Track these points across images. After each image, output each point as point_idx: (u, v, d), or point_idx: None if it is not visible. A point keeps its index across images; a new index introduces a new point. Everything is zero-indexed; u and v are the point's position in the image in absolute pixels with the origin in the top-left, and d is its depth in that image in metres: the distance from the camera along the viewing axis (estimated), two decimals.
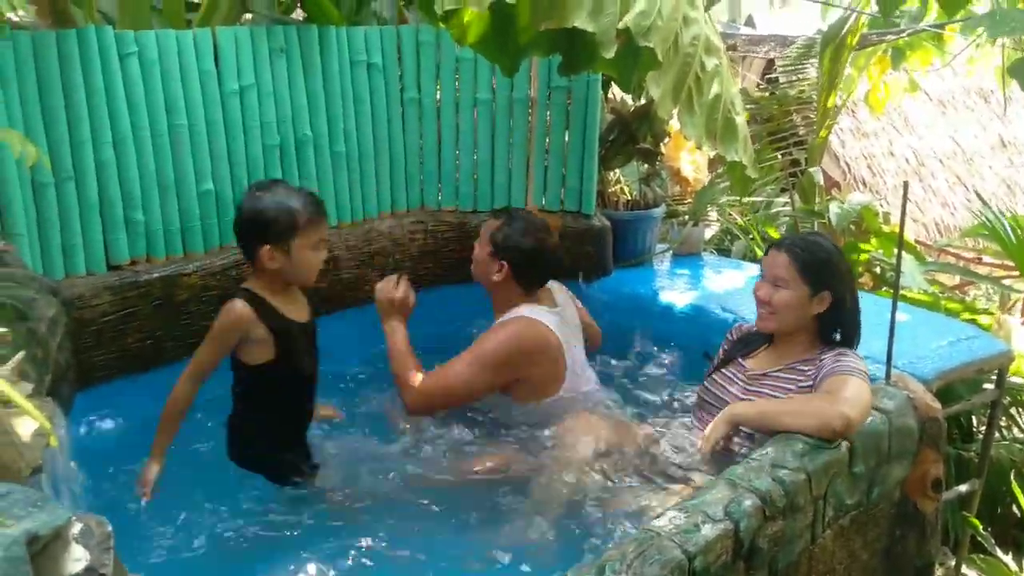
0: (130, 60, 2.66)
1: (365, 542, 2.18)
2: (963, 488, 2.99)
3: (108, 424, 2.65)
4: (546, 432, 2.59)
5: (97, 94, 2.60)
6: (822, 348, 2.43)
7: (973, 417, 3.57)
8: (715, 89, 2.31)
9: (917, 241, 6.06)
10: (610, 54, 2.08)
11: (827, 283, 2.41)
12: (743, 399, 2.44)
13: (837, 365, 2.32)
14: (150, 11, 3.10)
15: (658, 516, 1.82)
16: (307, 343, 2.47)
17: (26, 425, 1.41)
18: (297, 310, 2.42)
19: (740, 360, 2.56)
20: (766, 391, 2.43)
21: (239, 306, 2.28)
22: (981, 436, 3.19)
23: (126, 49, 2.64)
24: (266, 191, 2.33)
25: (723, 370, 2.59)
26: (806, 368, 2.41)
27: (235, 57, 2.87)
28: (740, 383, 2.51)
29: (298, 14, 3.53)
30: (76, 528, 1.15)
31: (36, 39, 2.48)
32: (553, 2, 2.08)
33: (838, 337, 2.44)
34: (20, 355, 1.62)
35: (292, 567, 2.08)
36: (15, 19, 2.76)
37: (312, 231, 2.33)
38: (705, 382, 2.63)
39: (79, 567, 1.10)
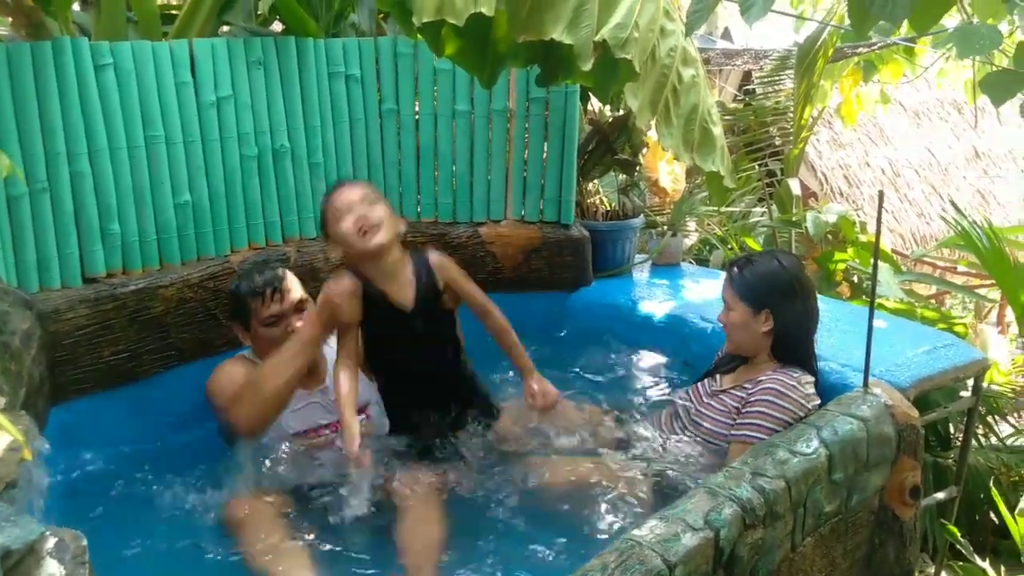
0: (105, 71, 2.64)
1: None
2: (941, 495, 3.01)
3: (84, 437, 2.62)
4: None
5: (72, 105, 2.58)
6: (773, 366, 2.50)
7: (950, 425, 3.60)
8: (692, 100, 2.32)
9: (894, 251, 6.12)
10: (587, 66, 2.09)
11: (765, 302, 2.48)
12: (700, 411, 2.57)
13: (747, 423, 2.40)
14: (126, 23, 3.08)
15: (639, 525, 1.82)
16: None
17: (0, 439, 1.39)
18: None
19: (717, 375, 2.62)
20: (715, 407, 2.54)
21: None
22: (958, 444, 3.21)
23: (101, 60, 2.63)
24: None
25: (701, 382, 2.66)
26: (748, 388, 2.49)
27: (212, 68, 2.86)
28: (702, 396, 2.61)
29: (276, 26, 3.53)
30: (50, 543, 1.14)
31: (11, 51, 2.46)
32: (531, 14, 2.08)
33: (790, 354, 2.50)
34: None
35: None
36: None
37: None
38: (683, 390, 2.69)
39: None
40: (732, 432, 2.43)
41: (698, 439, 2.53)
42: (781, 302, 2.48)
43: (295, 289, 2.64)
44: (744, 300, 2.50)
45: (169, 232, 2.85)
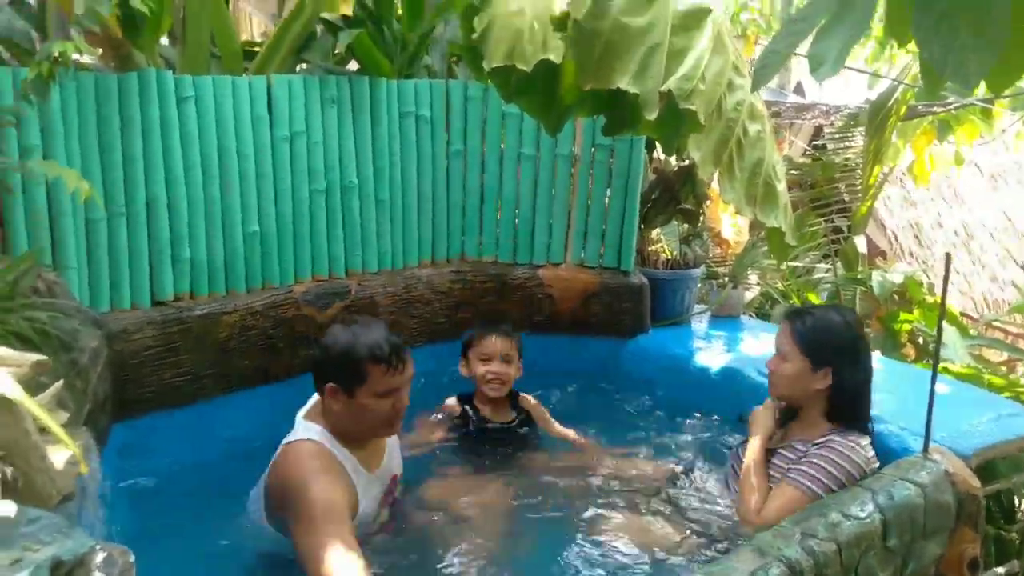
0: (187, 103, 2.75)
1: None
2: (1002, 570, 2.89)
3: (142, 456, 2.68)
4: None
5: (153, 135, 2.69)
6: (830, 427, 2.42)
7: (1015, 496, 3.46)
8: (757, 155, 2.32)
9: (963, 314, 5.97)
10: (653, 115, 2.10)
11: (828, 360, 2.40)
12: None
13: (803, 469, 2.32)
14: (209, 58, 3.21)
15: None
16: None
17: (59, 453, 1.44)
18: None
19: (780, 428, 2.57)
20: (773, 464, 2.46)
21: None
22: (1022, 516, 3.09)
23: (184, 93, 2.74)
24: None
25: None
26: (797, 448, 2.42)
27: (288, 104, 2.95)
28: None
29: (352, 65, 3.62)
30: (99, 557, 1.17)
31: (98, 80, 2.58)
32: (599, 63, 2.11)
33: (846, 415, 2.42)
34: (59, 384, 1.66)
35: None
36: (80, 60, 2.87)
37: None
38: (737, 448, 2.64)
39: None
40: (786, 475, 2.36)
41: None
42: (844, 362, 2.40)
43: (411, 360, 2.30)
44: (805, 354, 2.41)
45: (237, 260, 2.93)
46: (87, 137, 2.58)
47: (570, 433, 2.89)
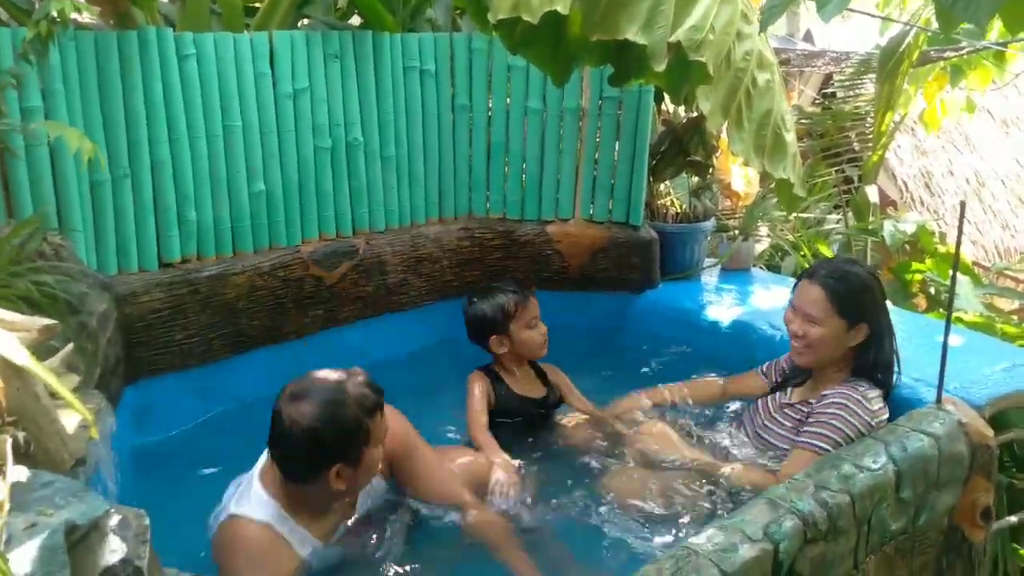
0: (188, 61, 2.71)
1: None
2: (1014, 519, 2.90)
3: (155, 418, 2.69)
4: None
5: (155, 94, 2.66)
6: (843, 378, 2.41)
7: None
8: (766, 105, 2.27)
9: (975, 263, 5.92)
10: (661, 67, 2.06)
11: (864, 315, 2.37)
12: (767, 424, 2.51)
13: (814, 430, 2.31)
14: (210, 14, 3.16)
15: (696, 533, 1.79)
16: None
17: (71, 417, 1.44)
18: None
19: (789, 387, 2.55)
20: (780, 421, 2.47)
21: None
22: None
23: (185, 51, 2.70)
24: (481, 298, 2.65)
25: (771, 396, 2.60)
26: (812, 404, 2.41)
27: (290, 61, 2.91)
28: (770, 409, 2.55)
29: (354, 20, 3.57)
30: (114, 520, 1.17)
31: (98, 39, 2.54)
32: (605, 13, 2.07)
33: (871, 368, 2.40)
34: (69, 347, 1.65)
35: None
36: (79, 19, 2.83)
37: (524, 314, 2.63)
38: (752, 403, 2.63)
39: (115, 558, 1.12)
40: (797, 439, 2.37)
41: (759, 452, 2.48)
42: (876, 314, 2.38)
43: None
44: (841, 314, 2.35)
45: (243, 220, 2.91)
46: (88, 97, 2.55)
47: (590, 408, 2.82)
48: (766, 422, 2.51)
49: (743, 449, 2.54)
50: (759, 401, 2.61)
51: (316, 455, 1.87)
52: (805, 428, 2.36)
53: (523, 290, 2.69)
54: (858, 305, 2.37)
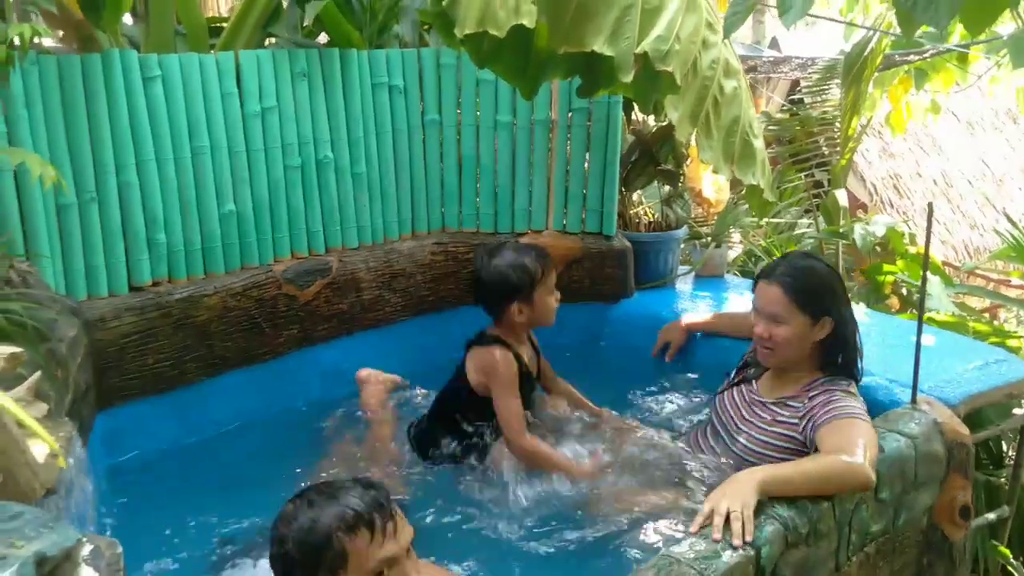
0: (154, 83, 2.69)
1: None
2: (992, 515, 2.92)
3: (128, 444, 2.66)
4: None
5: (121, 117, 2.63)
6: (816, 378, 2.39)
7: (1003, 443, 3.50)
8: (733, 112, 2.29)
9: (945, 263, 6.00)
10: (628, 78, 2.07)
11: (826, 308, 2.36)
12: (747, 420, 2.46)
13: (832, 408, 2.24)
14: (174, 35, 3.14)
15: (678, 542, 1.79)
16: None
17: (41, 446, 1.41)
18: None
19: (753, 381, 2.54)
20: (758, 419, 2.44)
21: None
22: (1011, 462, 3.11)
23: (150, 72, 2.68)
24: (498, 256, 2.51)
25: (736, 390, 2.58)
26: (793, 403, 2.38)
27: (257, 80, 2.89)
28: (745, 406, 2.51)
29: (321, 38, 3.56)
30: (86, 549, 1.15)
31: (62, 63, 2.52)
32: (572, 26, 2.07)
33: (840, 361, 2.39)
34: (37, 375, 1.63)
35: None
36: (42, 44, 2.80)
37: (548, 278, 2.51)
38: (716, 400, 2.61)
39: None
40: (818, 422, 2.24)
41: (735, 454, 2.45)
42: (838, 305, 2.36)
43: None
44: (803, 311, 2.33)
45: (214, 241, 2.89)
46: (52, 122, 2.52)
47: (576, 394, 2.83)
48: (739, 424, 2.47)
49: (715, 451, 2.52)
50: (724, 400, 2.58)
51: (287, 570, 1.58)
52: (817, 414, 2.26)
53: (543, 251, 2.55)
54: (819, 299, 2.35)
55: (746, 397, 2.52)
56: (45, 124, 2.50)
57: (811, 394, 2.34)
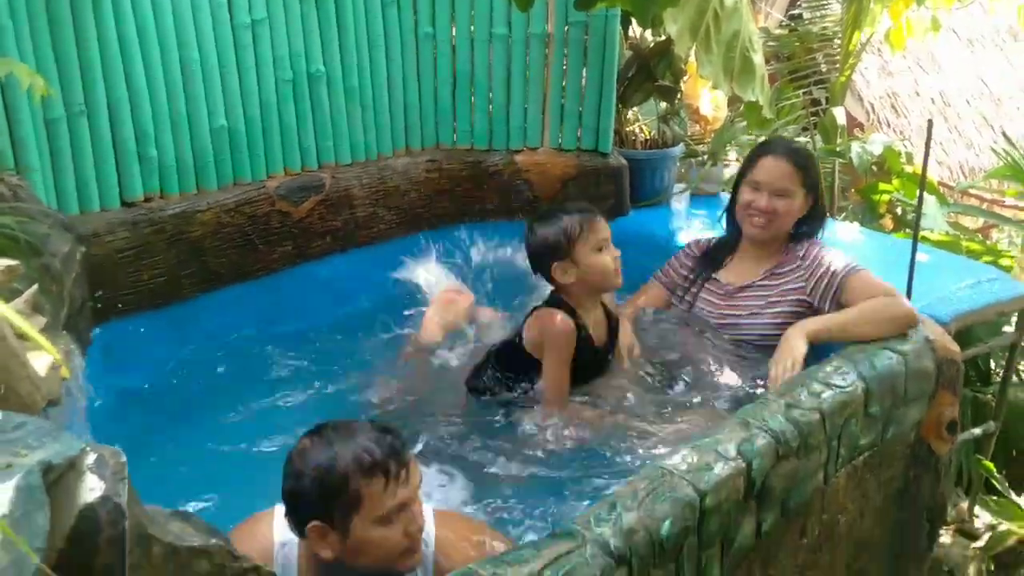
0: None
1: None
2: (978, 431, 2.98)
3: (126, 358, 2.67)
4: None
5: (108, 28, 2.57)
6: (788, 246, 2.56)
7: (991, 360, 3.55)
8: (733, 27, 2.25)
9: (941, 183, 5.96)
10: None
11: (816, 183, 2.55)
12: (727, 314, 2.56)
13: (836, 264, 2.43)
14: None
15: (670, 454, 1.82)
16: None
17: (41, 359, 1.42)
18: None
19: (714, 276, 2.61)
20: (749, 302, 2.54)
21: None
22: (999, 379, 3.16)
23: None
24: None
25: (701, 290, 2.63)
26: (785, 270, 2.52)
27: None
28: (721, 300, 2.59)
29: None
30: (90, 458, 1.16)
31: None
32: None
33: (803, 229, 2.58)
34: (34, 288, 1.62)
35: None
36: None
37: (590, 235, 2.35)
38: (684, 306, 2.67)
39: (94, 496, 1.11)
40: (842, 276, 2.41)
41: (730, 343, 2.53)
42: (819, 183, 2.59)
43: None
44: (804, 185, 2.51)
45: (206, 157, 2.85)
46: (39, 34, 2.46)
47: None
48: (724, 312, 2.56)
49: (709, 348, 2.54)
50: (696, 301, 2.64)
51: (296, 504, 1.61)
52: (836, 271, 2.42)
53: (589, 209, 2.43)
54: (815, 175, 2.55)
55: (718, 291, 2.61)
56: (30, 35, 2.44)
57: (800, 253, 2.51)
